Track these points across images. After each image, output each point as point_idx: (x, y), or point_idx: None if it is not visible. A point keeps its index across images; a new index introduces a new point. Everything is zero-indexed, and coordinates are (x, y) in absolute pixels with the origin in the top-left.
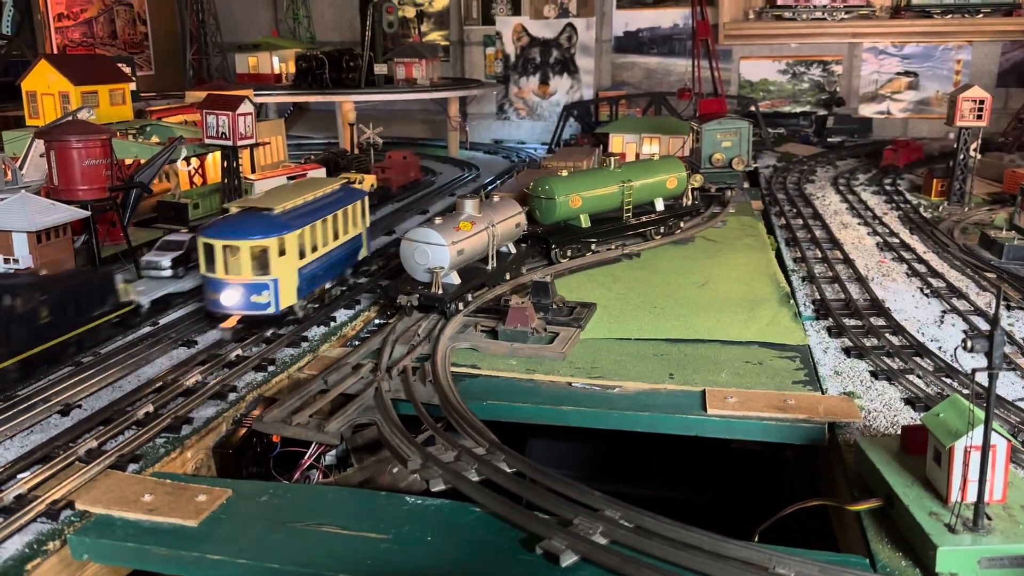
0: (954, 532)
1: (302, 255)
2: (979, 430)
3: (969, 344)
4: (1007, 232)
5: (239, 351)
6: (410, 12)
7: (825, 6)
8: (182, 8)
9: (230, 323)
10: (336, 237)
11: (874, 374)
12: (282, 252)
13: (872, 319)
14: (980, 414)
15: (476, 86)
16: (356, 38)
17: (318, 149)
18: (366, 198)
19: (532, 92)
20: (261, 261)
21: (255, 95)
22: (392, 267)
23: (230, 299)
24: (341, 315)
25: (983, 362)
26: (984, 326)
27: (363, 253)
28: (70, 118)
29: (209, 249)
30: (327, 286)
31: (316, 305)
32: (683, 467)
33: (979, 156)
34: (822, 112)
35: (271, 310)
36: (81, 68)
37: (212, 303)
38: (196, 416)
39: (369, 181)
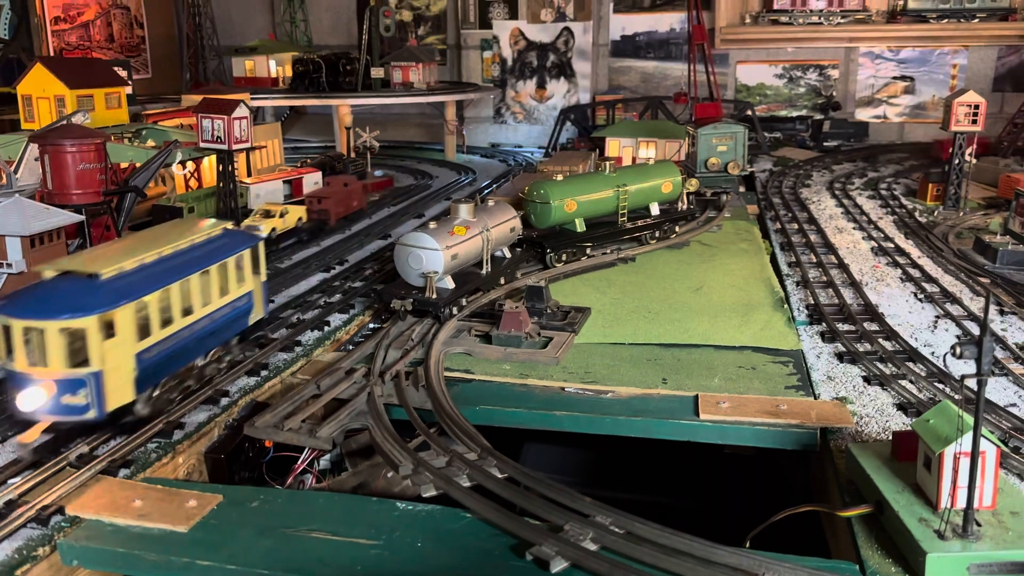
0: (943, 538)
1: (145, 333)
2: (968, 436)
3: (958, 351)
4: (1001, 237)
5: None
6: (407, 16)
7: (821, 10)
8: (179, 11)
9: (30, 435)
10: (207, 301)
11: (867, 379)
12: (109, 333)
13: (865, 324)
14: (969, 420)
15: (473, 90)
16: (353, 42)
17: (314, 152)
18: (260, 244)
19: (529, 96)
20: (78, 347)
21: (252, 98)
22: (387, 271)
23: (33, 400)
24: (335, 319)
25: (973, 368)
26: (977, 330)
27: (256, 315)
28: (65, 122)
29: (7, 332)
30: (200, 362)
31: (176, 396)
32: (678, 472)
33: (974, 160)
34: (818, 116)
35: (92, 414)
36: (77, 72)
37: (13, 405)
38: (188, 421)
39: (296, 214)
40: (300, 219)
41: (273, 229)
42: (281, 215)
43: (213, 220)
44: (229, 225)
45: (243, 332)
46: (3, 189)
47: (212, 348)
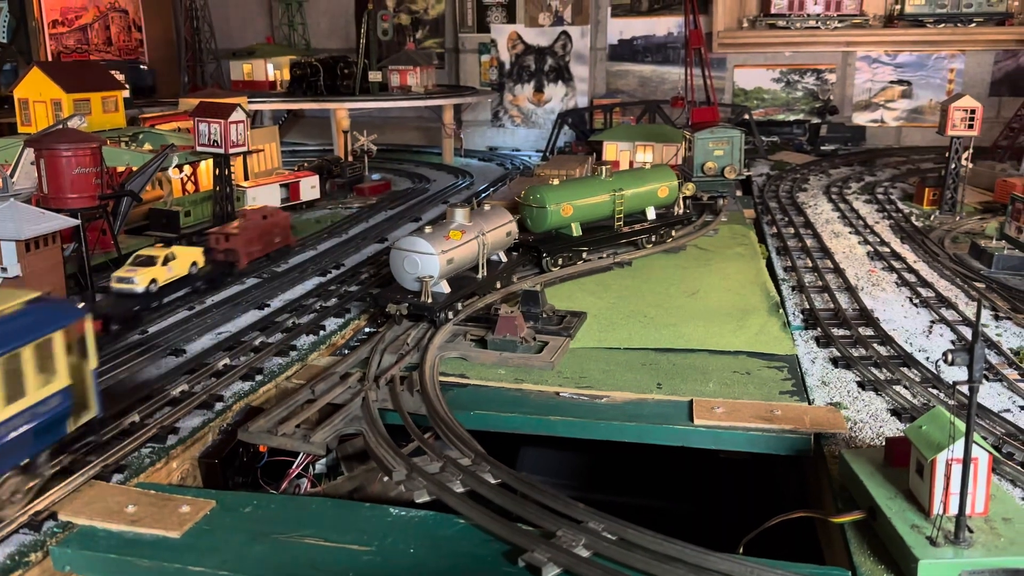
0: (935, 545)
1: None
2: (960, 443)
3: (950, 358)
4: (997, 242)
5: (227, 360)
6: (405, 20)
7: (819, 15)
8: (177, 15)
9: None
10: None
11: (861, 385)
12: None
13: (860, 329)
14: (961, 426)
15: (471, 93)
16: (351, 45)
17: (312, 156)
18: (86, 321)
19: (527, 100)
20: None
21: (249, 102)
22: (383, 275)
23: None
24: (330, 324)
25: (965, 374)
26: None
27: (83, 416)
28: (61, 126)
29: None
30: None
31: None
32: (672, 477)
33: (971, 165)
34: (816, 120)
35: None
36: (73, 75)
37: None
38: (182, 426)
39: (188, 258)
40: (194, 264)
41: (153, 281)
42: (166, 261)
43: (15, 291)
44: (36, 296)
45: (61, 440)
46: None
47: (11, 465)
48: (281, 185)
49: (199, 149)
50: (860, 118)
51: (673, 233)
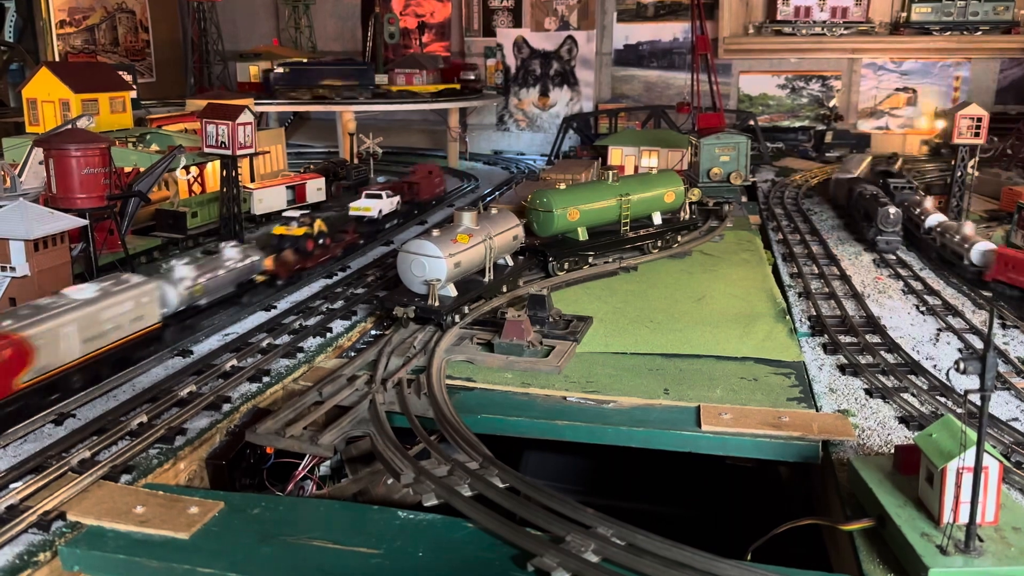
0: (946, 554)
1: None
2: (971, 451)
3: (962, 366)
4: None
5: (234, 361)
6: (411, 23)
7: (825, 22)
8: (184, 16)
9: None
10: None
11: (869, 392)
12: None
13: (867, 336)
14: (972, 435)
15: (476, 97)
16: (358, 48)
17: (318, 158)
18: None
19: (532, 104)
20: None
21: (255, 104)
22: (389, 278)
23: None
24: (337, 326)
25: (976, 383)
26: (979, 344)
27: None
28: (69, 126)
29: None
30: None
31: None
32: (679, 482)
33: (976, 173)
34: (821, 127)
35: None
36: (82, 76)
37: None
38: (190, 427)
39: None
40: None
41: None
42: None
43: None
44: None
45: None
46: (7, 193)
47: None
48: (287, 187)
49: (206, 150)
50: (865, 125)
51: (679, 238)
